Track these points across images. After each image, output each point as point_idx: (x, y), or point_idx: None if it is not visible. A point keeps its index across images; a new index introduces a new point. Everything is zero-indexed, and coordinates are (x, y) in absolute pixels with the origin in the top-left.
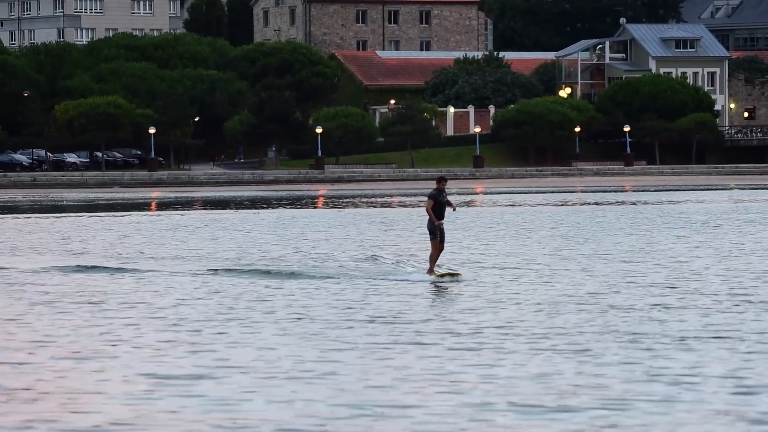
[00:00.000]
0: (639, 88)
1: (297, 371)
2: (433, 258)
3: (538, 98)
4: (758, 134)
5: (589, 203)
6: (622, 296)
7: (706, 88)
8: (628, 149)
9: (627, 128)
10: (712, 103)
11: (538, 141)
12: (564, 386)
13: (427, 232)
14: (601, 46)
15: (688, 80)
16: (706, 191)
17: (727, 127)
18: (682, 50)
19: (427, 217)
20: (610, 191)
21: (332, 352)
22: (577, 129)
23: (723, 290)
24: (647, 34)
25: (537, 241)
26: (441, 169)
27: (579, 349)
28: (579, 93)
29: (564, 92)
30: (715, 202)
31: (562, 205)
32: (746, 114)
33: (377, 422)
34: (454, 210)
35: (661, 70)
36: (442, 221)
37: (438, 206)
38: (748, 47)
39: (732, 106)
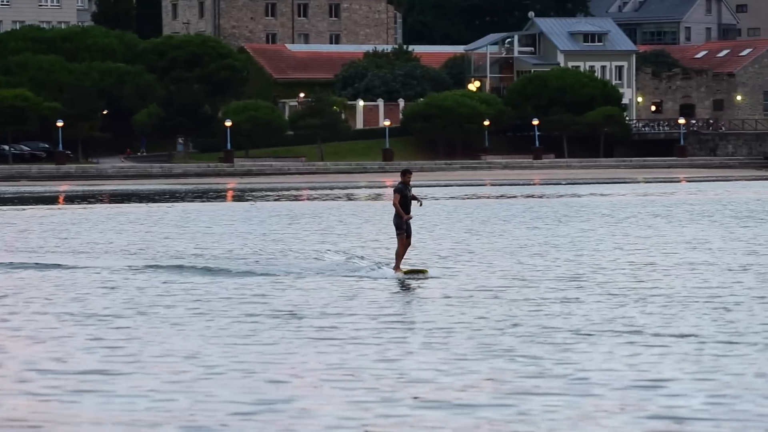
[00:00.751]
0: (547, 81)
1: (198, 367)
2: (400, 254)
3: (448, 92)
4: (665, 128)
5: (498, 197)
6: (523, 290)
7: (613, 82)
8: (537, 143)
9: (536, 122)
10: (620, 96)
11: (447, 134)
12: (466, 381)
13: (394, 228)
14: (509, 39)
15: (596, 74)
16: (613, 184)
17: (634, 121)
18: (590, 44)
19: (395, 211)
20: (518, 185)
21: (235, 347)
22: (486, 122)
23: (626, 284)
24: (555, 28)
25: (441, 236)
26: (351, 163)
27: (481, 343)
28: (488, 87)
29: (473, 86)
30: (622, 195)
31: (469, 198)
32: (653, 107)
33: (275, 420)
34: (420, 204)
35: (570, 64)
36: (410, 216)
37: (405, 200)
38: (655, 41)
39: (639, 99)
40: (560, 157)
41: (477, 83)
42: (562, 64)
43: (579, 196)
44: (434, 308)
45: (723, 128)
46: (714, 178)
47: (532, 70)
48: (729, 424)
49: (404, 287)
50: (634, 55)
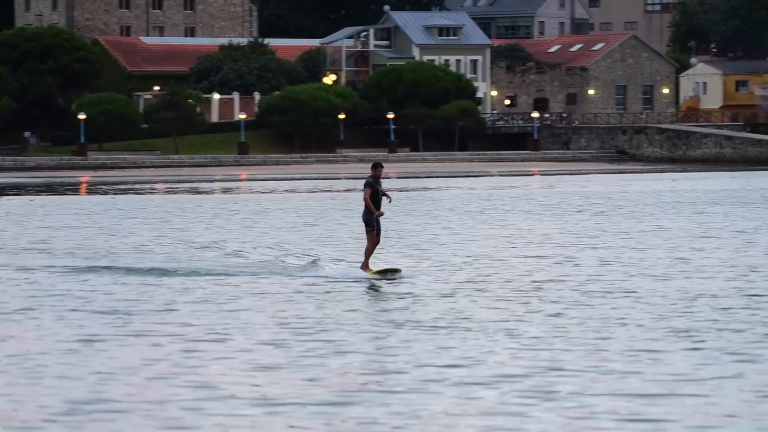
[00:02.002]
0: (402, 75)
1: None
2: (369, 252)
3: (303, 85)
4: (519, 121)
5: (352, 190)
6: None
7: (468, 76)
8: (392, 136)
9: (391, 115)
10: (474, 90)
11: (302, 128)
12: (300, 379)
13: (363, 224)
14: (365, 33)
15: (450, 68)
16: (467, 178)
17: (489, 114)
18: (445, 38)
19: (363, 207)
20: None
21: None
22: (342, 116)
23: (464, 278)
24: (411, 22)
25: (282, 227)
26: (206, 156)
27: (324, 339)
28: (344, 80)
29: (329, 79)
30: (475, 188)
31: (315, 192)
32: (507, 101)
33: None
34: (389, 201)
35: (425, 58)
36: (381, 212)
37: (376, 195)
38: (509, 35)
39: (494, 93)
40: (415, 151)
41: (333, 77)
42: (417, 58)
43: (427, 189)
44: (264, 306)
45: (576, 122)
46: (567, 172)
47: (388, 64)
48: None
49: (371, 288)
50: (488, 49)
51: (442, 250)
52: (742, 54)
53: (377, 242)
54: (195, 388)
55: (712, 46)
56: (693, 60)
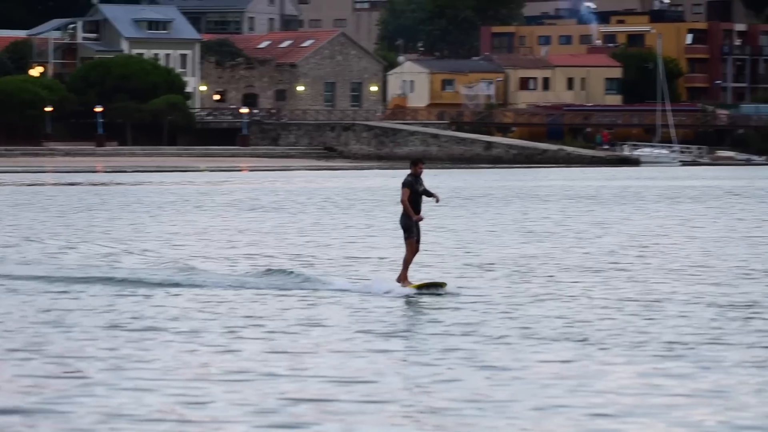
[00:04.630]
0: (111, 68)
1: None
2: (407, 262)
3: (9, 77)
4: (229, 117)
5: (63, 184)
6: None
7: (177, 70)
8: (101, 130)
9: (99, 108)
10: (184, 85)
11: (7, 120)
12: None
13: (401, 230)
14: (73, 25)
15: (160, 62)
16: (175, 173)
17: (198, 109)
18: (154, 32)
19: (401, 210)
20: (81, 172)
21: None
22: (49, 108)
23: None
24: (120, 15)
25: None
26: None
27: (139, 328)
28: (51, 72)
29: (35, 71)
30: (167, 184)
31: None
32: (217, 96)
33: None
34: (437, 201)
35: (134, 51)
36: (421, 216)
37: (415, 196)
38: (219, 30)
39: (203, 88)
40: (124, 145)
41: (40, 69)
42: (126, 51)
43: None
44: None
45: (285, 118)
46: (275, 168)
47: (96, 57)
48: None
49: (410, 302)
50: (198, 44)
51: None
52: (449, 53)
53: (417, 250)
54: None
55: (420, 45)
56: (400, 58)
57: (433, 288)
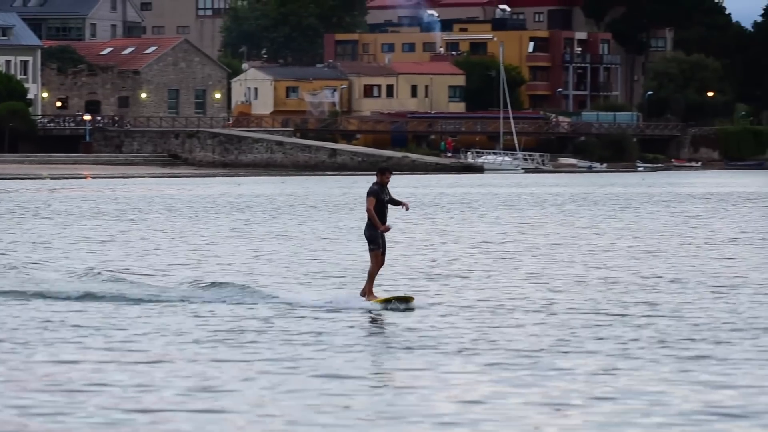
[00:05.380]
0: None
1: None
2: (372, 275)
3: None
4: (71, 124)
5: None
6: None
7: (18, 77)
8: None
9: None
10: (25, 91)
11: None
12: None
13: (366, 242)
14: None
15: (1, 68)
16: (17, 180)
17: (40, 117)
18: None
19: (366, 220)
20: None
21: None
22: None
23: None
24: None
25: None
26: None
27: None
28: None
29: None
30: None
31: None
32: (59, 103)
33: None
34: (406, 210)
35: None
36: (388, 226)
37: (381, 206)
38: (61, 37)
39: (45, 95)
40: None
41: None
42: None
43: None
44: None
45: (129, 125)
46: (118, 175)
47: None
48: None
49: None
50: (39, 51)
51: None
52: (293, 61)
53: (382, 263)
54: None
55: (263, 52)
56: (244, 65)
57: (399, 303)
